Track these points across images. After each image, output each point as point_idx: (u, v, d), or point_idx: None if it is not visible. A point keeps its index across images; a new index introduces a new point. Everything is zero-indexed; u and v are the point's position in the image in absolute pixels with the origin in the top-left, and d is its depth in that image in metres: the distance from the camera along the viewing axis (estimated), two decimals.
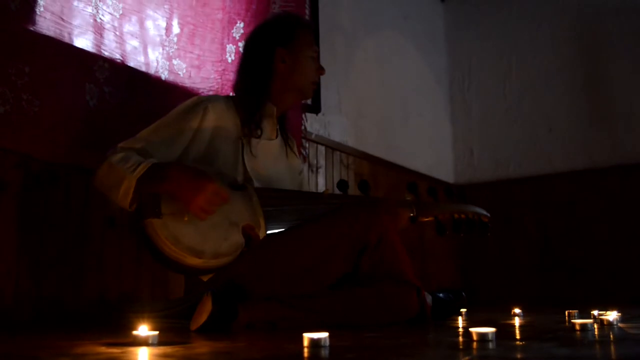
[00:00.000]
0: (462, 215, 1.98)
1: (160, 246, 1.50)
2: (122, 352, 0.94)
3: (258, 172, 1.77)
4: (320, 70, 1.90)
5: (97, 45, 1.90)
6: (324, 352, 0.92)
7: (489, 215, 2.05)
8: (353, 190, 1.91)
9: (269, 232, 1.64)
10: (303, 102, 2.67)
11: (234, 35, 2.32)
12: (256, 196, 1.66)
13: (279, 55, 1.83)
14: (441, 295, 1.78)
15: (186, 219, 1.53)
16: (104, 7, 1.92)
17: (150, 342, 1.03)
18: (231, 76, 2.21)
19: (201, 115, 1.71)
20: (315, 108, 2.79)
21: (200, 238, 1.52)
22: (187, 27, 2.19)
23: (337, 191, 1.89)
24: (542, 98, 3.94)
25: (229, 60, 2.29)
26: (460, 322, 1.69)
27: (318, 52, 1.93)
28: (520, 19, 4.09)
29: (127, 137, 1.64)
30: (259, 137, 1.79)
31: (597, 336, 1.17)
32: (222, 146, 1.73)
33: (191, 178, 1.52)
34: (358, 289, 1.61)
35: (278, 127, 1.92)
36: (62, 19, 1.80)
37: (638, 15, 3.68)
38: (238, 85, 1.87)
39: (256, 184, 1.73)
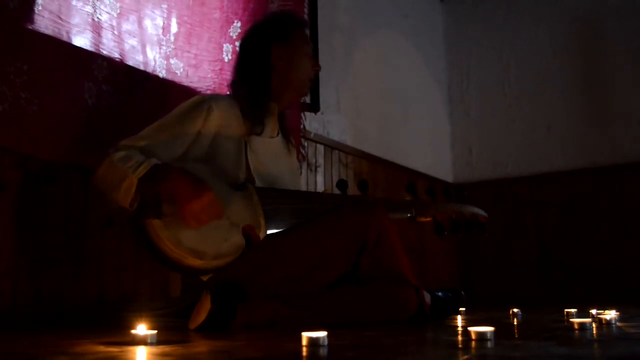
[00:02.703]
0: (460, 216, 1.99)
1: (160, 247, 1.50)
2: (120, 351, 0.94)
3: (260, 170, 1.77)
4: (316, 66, 1.92)
5: (95, 44, 1.90)
6: (323, 351, 0.92)
7: (486, 215, 2.05)
8: (352, 189, 1.92)
9: (269, 232, 1.64)
10: (302, 101, 2.67)
11: (231, 34, 2.32)
12: (257, 196, 1.66)
13: (276, 52, 1.83)
14: (440, 294, 1.78)
15: None
16: (102, 6, 1.92)
17: (148, 341, 1.03)
18: (228, 75, 2.21)
19: (205, 114, 1.70)
20: (314, 107, 2.79)
21: (201, 239, 1.52)
22: (185, 26, 2.18)
23: (336, 191, 1.89)
24: (541, 97, 3.94)
25: (226, 59, 2.29)
26: (459, 321, 1.69)
27: (312, 50, 1.94)
28: (519, 19, 4.09)
29: (125, 136, 1.62)
30: (260, 133, 1.79)
31: (595, 335, 1.17)
32: (225, 144, 1.73)
33: (191, 183, 1.49)
34: (357, 288, 1.61)
35: (278, 125, 1.92)
36: (60, 18, 1.80)
37: (638, 15, 3.68)
38: (236, 84, 1.87)
39: (258, 183, 1.73)
